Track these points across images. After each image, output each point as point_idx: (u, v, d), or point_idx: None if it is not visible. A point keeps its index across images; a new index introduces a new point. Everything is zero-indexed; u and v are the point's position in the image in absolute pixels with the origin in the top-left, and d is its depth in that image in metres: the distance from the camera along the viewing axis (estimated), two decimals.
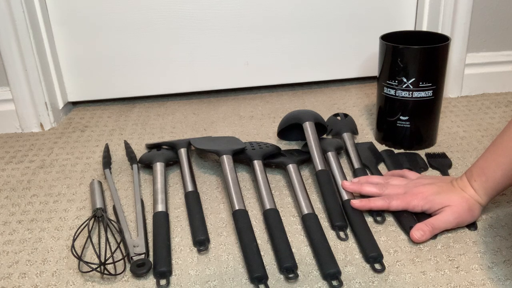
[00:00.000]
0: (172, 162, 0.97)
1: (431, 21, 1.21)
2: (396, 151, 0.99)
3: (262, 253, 0.71)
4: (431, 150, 0.99)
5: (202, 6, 1.20)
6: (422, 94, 0.93)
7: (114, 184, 0.90)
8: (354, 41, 1.29)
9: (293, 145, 1.03)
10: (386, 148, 1.00)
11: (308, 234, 0.74)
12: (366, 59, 1.31)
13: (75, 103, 1.30)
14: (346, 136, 1.00)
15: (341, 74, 1.33)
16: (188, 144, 0.97)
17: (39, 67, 1.11)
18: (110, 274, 0.68)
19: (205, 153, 1.01)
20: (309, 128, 0.95)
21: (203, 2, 1.19)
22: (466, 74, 1.23)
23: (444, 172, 0.90)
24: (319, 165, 0.87)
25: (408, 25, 1.29)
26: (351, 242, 0.74)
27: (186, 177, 0.88)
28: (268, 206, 0.78)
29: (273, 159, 0.93)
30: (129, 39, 1.21)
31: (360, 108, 1.20)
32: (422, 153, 0.98)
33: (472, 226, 0.75)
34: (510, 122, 0.72)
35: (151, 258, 0.71)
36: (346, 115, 1.09)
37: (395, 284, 0.65)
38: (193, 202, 0.82)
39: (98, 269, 0.68)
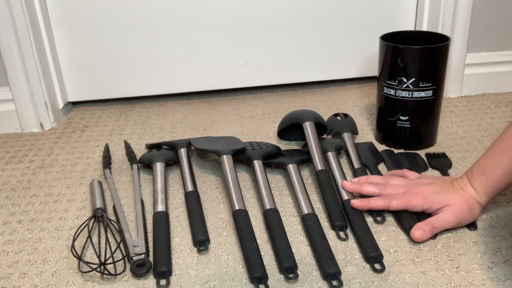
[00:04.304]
0: (172, 162, 0.97)
1: (431, 21, 1.21)
2: (396, 151, 0.99)
3: (262, 253, 0.71)
4: (431, 150, 0.99)
5: (202, 6, 1.20)
6: (422, 94, 0.93)
7: (114, 184, 0.90)
8: (354, 41, 1.29)
9: (293, 145, 1.03)
10: (386, 148, 1.00)
11: (308, 234, 0.74)
12: (366, 59, 1.31)
13: (75, 103, 1.30)
14: (346, 136, 1.00)
15: (341, 74, 1.33)
16: (188, 144, 0.97)
17: (39, 67, 1.11)
18: (110, 274, 0.68)
19: (205, 153, 1.01)
20: (309, 128, 0.95)
21: (203, 2, 1.19)
22: (466, 74, 1.23)
23: (444, 172, 0.90)
24: (319, 165, 0.87)
25: (408, 25, 1.29)
26: (351, 242, 0.74)
27: (186, 177, 0.88)
28: (268, 206, 0.78)
29: (273, 159, 0.93)
30: (129, 39, 1.21)
31: (360, 108, 1.20)
32: (422, 153, 0.98)
33: (472, 226, 0.75)
34: (511, 122, 0.72)
35: (151, 258, 0.71)
36: (346, 115, 1.09)
37: (395, 284, 0.65)
38: (193, 202, 0.82)
39: (98, 269, 0.68)
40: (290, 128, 1.03)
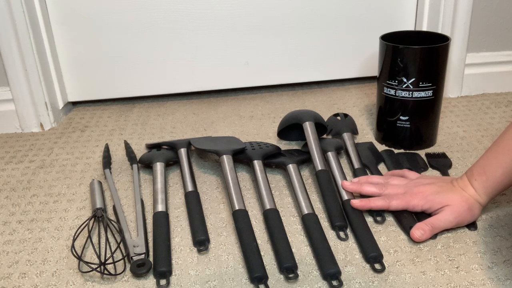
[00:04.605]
0: (172, 162, 0.97)
1: (431, 21, 1.21)
2: (396, 151, 0.99)
3: (262, 253, 0.71)
4: (431, 150, 0.99)
5: (202, 6, 1.20)
6: (422, 94, 0.93)
7: (114, 184, 0.90)
8: (354, 41, 1.29)
9: (293, 145, 1.03)
10: (386, 148, 1.00)
11: (308, 234, 0.74)
12: (366, 59, 1.31)
13: (75, 103, 1.30)
14: (346, 136, 1.00)
15: (341, 74, 1.33)
16: (188, 144, 0.97)
17: (39, 67, 1.11)
18: (110, 274, 0.68)
19: (205, 153, 1.01)
20: (309, 128, 0.95)
21: (203, 2, 1.19)
22: (466, 74, 1.23)
23: (444, 172, 0.90)
24: (319, 165, 0.87)
25: (408, 25, 1.29)
26: (351, 242, 0.74)
27: (186, 177, 0.88)
28: (268, 206, 0.78)
29: (273, 159, 0.93)
30: (129, 39, 1.21)
31: (360, 108, 1.20)
32: (422, 153, 0.98)
33: (472, 226, 0.75)
34: (511, 122, 0.72)
35: (151, 258, 0.71)
36: (346, 115, 1.09)
37: (395, 284, 0.65)
38: (193, 202, 0.82)
39: (98, 269, 0.68)
40: (290, 128, 1.03)
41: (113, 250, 0.72)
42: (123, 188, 0.90)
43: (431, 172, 0.91)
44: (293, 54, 1.28)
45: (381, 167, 0.94)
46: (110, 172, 0.94)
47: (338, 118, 1.08)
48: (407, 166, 0.92)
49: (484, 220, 0.77)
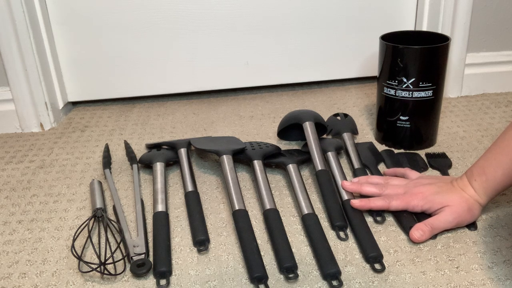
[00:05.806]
0: (172, 162, 0.97)
1: (431, 21, 1.21)
2: (396, 151, 0.99)
3: (262, 253, 0.71)
4: (431, 150, 0.99)
5: (202, 6, 1.20)
6: (422, 94, 0.93)
7: (114, 184, 0.90)
8: (354, 41, 1.29)
9: (293, 145, 1.03)
10: (386, 148, 1.00)
11: (308, 234, 0.74)
12: (366, 59, 1.31)
13: (75, 103, 1.30)
14: (346, 136, 1.00)
15: (341, 74, 1.33)
16: (188, 144, 0.97)
17: (39, 67, 1.11)
18: (110, 274, 0.68)
19: (205, 153, 1.01)
20: (309, 128, 0.95)
21: (203, 2, 1.19)
22: (466, 74, 1.23)
23: (444, 172, 0.90)
24: (319, 165, 0.87)
25: (408, 25, 1.29)
26: (351, 242, 0.74)
27: (186, 177, 0.88)
28: (268, 206, 0.78)
29: (273, 159, 0.93)
30: (129, 39, 1.21)
31: (360, 108, 1.20)
32: (422, 153, 0.98)
33: (472, 226, 0.75)
34: (511, 122, 0.72)
35: (151, 258, 0.71)
36: (346, 115, 1.09)
37: (395, 284, 0.65)
38: (193, 202, 0.82)
39: (98, 269, 0.68)
40: (290, 128, 1.03)
41: (113, 250, 0.72)
42: (123, 188, 0.90)
43: (431, 172, 0.91)
44: (293, 54, 1.28)
45: (381, 167, 0.94)
46: (110, 172, 0.94)
47: (338, 118, 1.08)
48: (407, 166, 0.92)
49: (484, 220, 0.77)
